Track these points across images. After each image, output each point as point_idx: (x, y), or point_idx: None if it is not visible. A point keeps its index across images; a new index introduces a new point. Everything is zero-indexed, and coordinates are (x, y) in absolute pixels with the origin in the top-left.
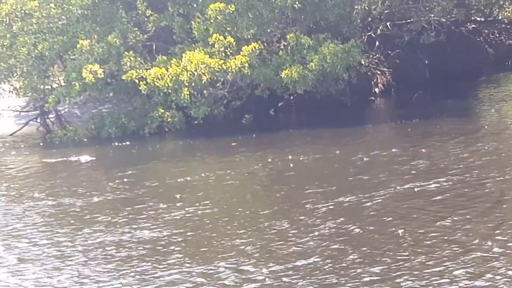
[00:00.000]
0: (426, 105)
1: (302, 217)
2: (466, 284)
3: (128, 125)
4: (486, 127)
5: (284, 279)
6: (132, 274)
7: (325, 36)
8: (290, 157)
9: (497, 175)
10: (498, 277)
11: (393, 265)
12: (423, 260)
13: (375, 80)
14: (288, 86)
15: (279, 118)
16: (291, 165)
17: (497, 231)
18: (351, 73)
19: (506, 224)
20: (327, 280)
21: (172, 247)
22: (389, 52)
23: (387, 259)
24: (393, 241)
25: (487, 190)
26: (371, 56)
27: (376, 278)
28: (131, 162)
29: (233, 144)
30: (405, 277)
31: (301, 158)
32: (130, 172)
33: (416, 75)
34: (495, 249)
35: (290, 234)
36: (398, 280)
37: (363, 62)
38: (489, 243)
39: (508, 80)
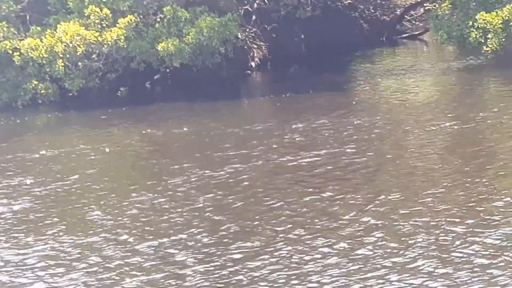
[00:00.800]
0: (301, 79)
1: (178, 190)
2: (343, 256)
3: (1, 97)
4: (360, 101)
5: (163, 251)
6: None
7: (202, 9)
8: (165, 130)
9: (370, 149)
10: (375, 249)
11: (271, 237)
12: (301, 233)
13: (251, 54)
14: (165, 59)
15: (155, 91)
16: (166, 138)
17: (372, 204)
18: (227, 46)
19: (380, 197)
20: (205, 253)
21: (45, 220)
22: (266, 26)
23: (265, 231)
24: (271, 214)
25: (361, 163)
26: (247, 30)
27: (254, 250)
28: (1, 134)
29: (103, 117)
30: (284, 249)
31: (176, 131)
32: None
33: (292, 50)
34: (371, 221)
35: (166, 207)
36: (276, 253)
37: (239, 36)
38: (365, 215)
39: (382, 56)
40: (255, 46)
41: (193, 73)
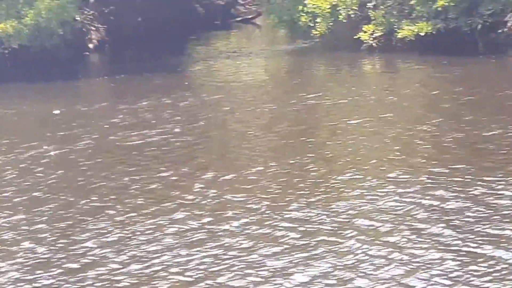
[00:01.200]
0: (138, 61)
1: (18, 167)
2: (196, 230)
3: None
4: (195, 82)
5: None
6: None
7: None
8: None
9: (210, 128)
10: (230, 221)
11: (124, 213)
12: (156, 209)
13: (89, 36)
14: (3, 40)
15: None
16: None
17: (223, 180)
18: (65, 28)
19: (229, 172)
20: (58, 228)
21: None
22: (104, 9)
23: (118, 207)
24: (122, 190)
25: (208, 142)
26: (86, 12)
27: (107, 227)
28: None
29: None
30: (137, 225)
31: (12, 111)
32: None
33: (130, 32)
34: (226, 197)
35: (8, 180)
36: (130, 228)
37: (78, 18)
38: (214, 190)
39: (217, 38)
40: (93, 28)
41: (32, 54)
